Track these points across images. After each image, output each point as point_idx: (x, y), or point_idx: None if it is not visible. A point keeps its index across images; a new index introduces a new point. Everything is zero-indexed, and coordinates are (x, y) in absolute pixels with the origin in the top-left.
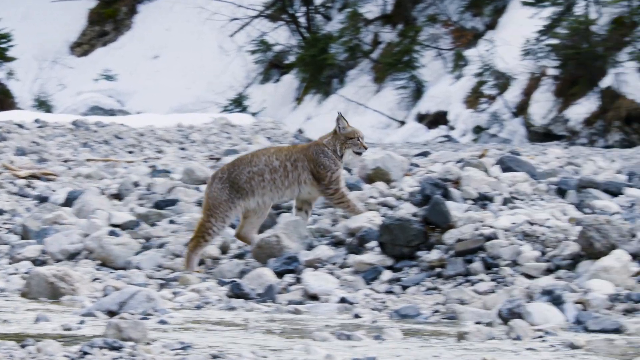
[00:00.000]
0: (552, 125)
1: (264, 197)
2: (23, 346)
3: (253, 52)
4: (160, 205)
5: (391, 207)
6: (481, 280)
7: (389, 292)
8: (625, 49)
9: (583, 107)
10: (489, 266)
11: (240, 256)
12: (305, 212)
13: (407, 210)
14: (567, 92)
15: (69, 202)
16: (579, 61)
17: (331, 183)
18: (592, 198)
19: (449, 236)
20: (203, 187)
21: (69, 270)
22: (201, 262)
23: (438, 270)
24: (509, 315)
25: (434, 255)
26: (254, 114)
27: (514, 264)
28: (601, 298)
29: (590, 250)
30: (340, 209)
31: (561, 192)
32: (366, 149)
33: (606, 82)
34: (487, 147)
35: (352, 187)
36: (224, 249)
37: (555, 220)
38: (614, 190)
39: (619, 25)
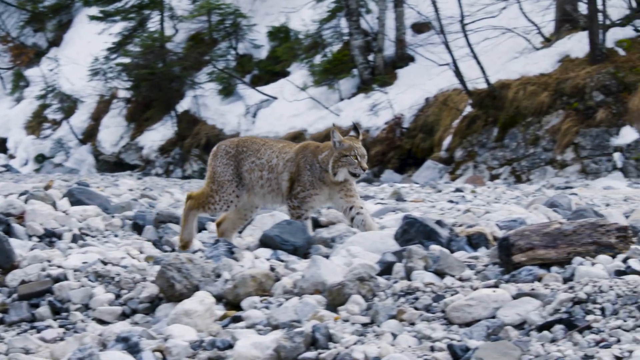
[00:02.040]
0: (124, 154)
1: (265, 197)
2: None
3: None
4: None
5: None
6: (49, 326)
7: None
8: (205, 68)
9: (158, 133)
10: (57, 311)
11: None
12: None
13: None
14: (140, 117)
15: None
16: (153, 82)
17: (296, 197)
18: (172, 234)
19: (12, 277)
20: None
21: None
22: None
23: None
24: None
25: None
26: None
27: (86, 308)
28: (182, 345)
29: (171, 292)
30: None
31: (137, 228)
32: (364, 170)
33: (184, 105)
34: (52, 177)
35: None
36: None
37: (131, 259)
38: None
39: (197, 42)
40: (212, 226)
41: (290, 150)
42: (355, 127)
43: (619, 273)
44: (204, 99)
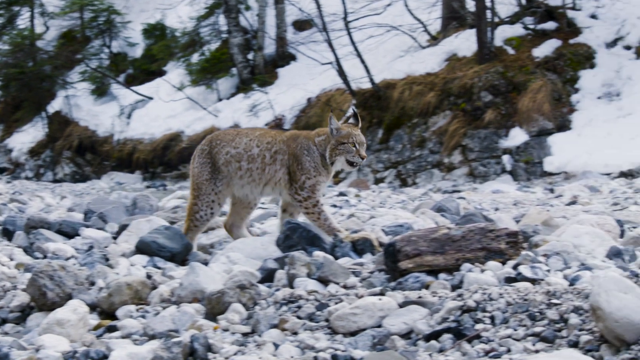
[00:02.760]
0: None
1: (243, 189)
2: None
3: None
4: None
5: None
6: None
7: None
8: (77, 67)
9: (28, 135)
10: None
11: None
12: (290, 215)
13: None
14: (9, 118)
15: None
16: (23, 82)
17: (303, 188)
18: (44, 240)
19: None
20: None
21: None
22: None
23: None
24: None
25: None
26: None
27: None
28: (55, 356)
29: (42, 301)
30: (310, 219)
31: (7, 234)
32: (363, 158)
33: (55, 105)
34: None
35: None
36: None
37: (0, 266)
38: (69, 231)
39: (69, 40)
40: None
41: (274, 140)
42: (356, 114)
43: (509, 280)
44: (76, 100)
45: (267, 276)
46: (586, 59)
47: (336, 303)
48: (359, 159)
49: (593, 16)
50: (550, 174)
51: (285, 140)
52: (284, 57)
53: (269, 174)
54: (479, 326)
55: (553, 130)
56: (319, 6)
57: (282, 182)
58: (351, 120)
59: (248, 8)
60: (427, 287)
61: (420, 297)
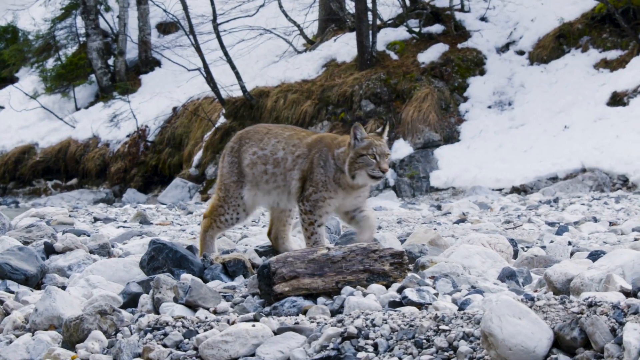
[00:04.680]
0: None
1: (270, 195)
2: None
3: None
4: None
5: None
6: None
7: None
8: None
9: None
10: None
11: None
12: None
13: None
14: None
15: None
16: None
17: (308, 200)
18: None
19: None
20: None
21: None
22: None
23: None
24: None
25: None
26: None
27: None
28: None
29: None
30: (303, 235)
31: None
32: (384, 171)
33: None
34: None
35: None
36: None
37: None
38: None
39: None
40: None
41: (300, 142)
42: (384, 124)
43: (394, 304)
44: None
45: (130, 301)
46: (476, 64)
47: (205, 330)
48: (379, 172)
49: (483, 19)
50: (437, 190)
51: (309, 143)
52: (147, 62)
53: (288, 180)
54: (361, 354)
55: (440, 143)
56: (185, 7)
57: (294, 190)
58: (378, 130)
59: (108, 9)
60: (304, 312)
61: (297, 323)
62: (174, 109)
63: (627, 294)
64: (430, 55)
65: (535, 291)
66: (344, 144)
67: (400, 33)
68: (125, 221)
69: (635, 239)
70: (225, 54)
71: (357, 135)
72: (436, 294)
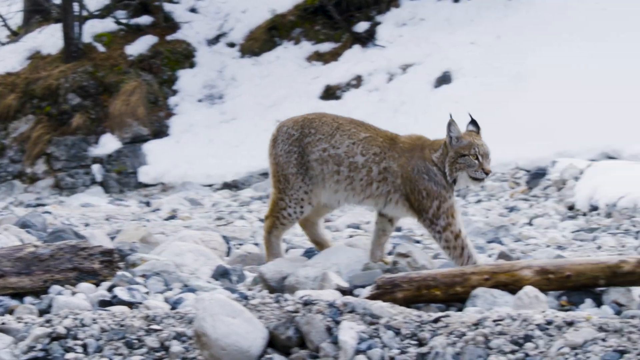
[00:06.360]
0: None
1: (337, 194)
2: None
3: None
4: None
5: None
6: None
7: None
8: None
9: None
10: None
11: None
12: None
13: None
14: None
15: None
16: None
17: (438, 216)
18: None
19: None
20: None
21: None
22: None
23: None
24: None
25: None
26: None
27: None
28: None
29: None
30: (448, 256)
31: None
32: (487, 173)
33: None
34: None
35: None
36: None
37: None
38: None
39: None
40: None
41: (382, 152)
42: (473, 120)
43: (104, 304)
44: None
45: None
46: (185, 57)
47: None
48: (482, 174)
49: (193, 10)
50: (146, 186)
51: (396, 158)
52: None
53: (379, 191)
54: (69, 355)
55: (148, 137)
56: None
57: (401, 204)
58: (470, 127)
59: None
60: (11, 312)
61: (3, 324)
62: None
63: (344, 292)
64: (139, 47)
65: (250, 289)
66: (438, 147)
67: (107, 25)
68: None
69: (350, 236)
70: None
71: (453, 132)
72: (147, 293)
